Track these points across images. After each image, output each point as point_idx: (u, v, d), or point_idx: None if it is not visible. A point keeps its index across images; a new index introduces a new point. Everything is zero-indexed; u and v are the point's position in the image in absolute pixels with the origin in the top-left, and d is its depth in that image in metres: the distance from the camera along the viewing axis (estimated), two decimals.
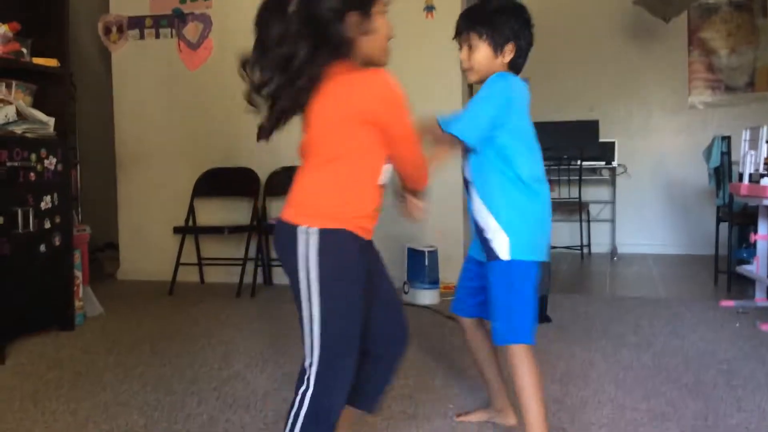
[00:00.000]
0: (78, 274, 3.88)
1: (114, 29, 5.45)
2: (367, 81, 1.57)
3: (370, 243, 1.72)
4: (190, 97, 5.32)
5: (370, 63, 1.63)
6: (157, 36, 5.38)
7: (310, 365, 1.59)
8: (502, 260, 1.99)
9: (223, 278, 5.12)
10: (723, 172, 4.78)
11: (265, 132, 1.78)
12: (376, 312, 1.75)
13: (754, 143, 4.23)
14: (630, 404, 2.50)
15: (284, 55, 1.65)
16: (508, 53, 2.02)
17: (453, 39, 2.13)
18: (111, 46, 5.48)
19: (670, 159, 6.70)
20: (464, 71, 2.13)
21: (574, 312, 3.97)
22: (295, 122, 5.37)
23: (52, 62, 3.70)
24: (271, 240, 5.06)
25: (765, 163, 4.17)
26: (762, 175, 4.06)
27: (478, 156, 2.03)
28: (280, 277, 5.11)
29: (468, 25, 2.04)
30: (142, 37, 5.41)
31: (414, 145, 1.68)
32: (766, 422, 2.32)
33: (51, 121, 3.66)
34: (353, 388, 1.66)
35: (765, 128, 4.13)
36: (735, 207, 4.65)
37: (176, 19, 5.32)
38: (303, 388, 1.60)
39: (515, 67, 2.06)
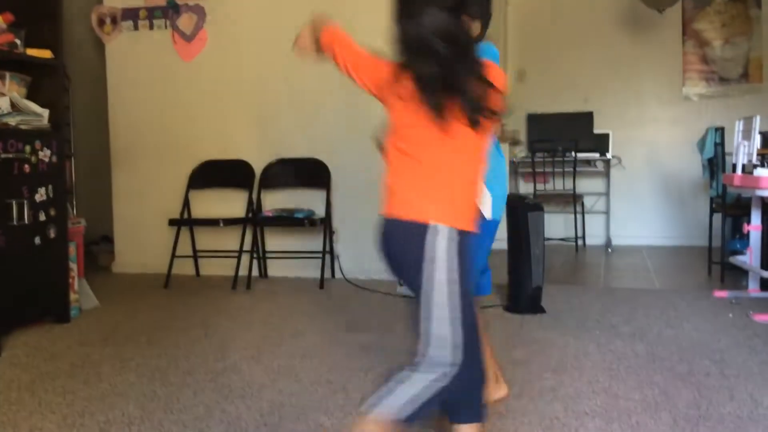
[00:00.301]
0: (73, 266, 3.88)
1: (108, 21, 5.43)
2: None
3: None
4: (184, 89, 5.31)
5: None
6: (151, 27, 5.37)
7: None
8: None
9: (218, 271, 5.13)
10: (716, 163, 4.80)
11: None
12: None
13: (747, 134, 4.25)
14: (623, 394, 2.52)
15: None
16: (484, 27, 2.06)
17: None
18: (105, 37, 5.46)
19: (664, 150, 6.72)
20: None
21: (568, 303, 3.99)
22: (288, 117, 5.30)
23: (46, 53, 3.69)
24: (267, 232, 5.11)
25: (758, 154, 4.19)
26: (755, 166, 4.08)
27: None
28: (275, 269, 5.12)
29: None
30: (136, 28, 5.39)
31: None
32: (758, 411, 2.34)
33: (45, 112, 3.65)
34: None
35: (758, 119, 4.15)
36: (728, 198, 4.67)
37: (170, 11, 5.30)
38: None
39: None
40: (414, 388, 1.63)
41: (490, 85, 1.59)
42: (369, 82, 1.86)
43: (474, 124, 1.57)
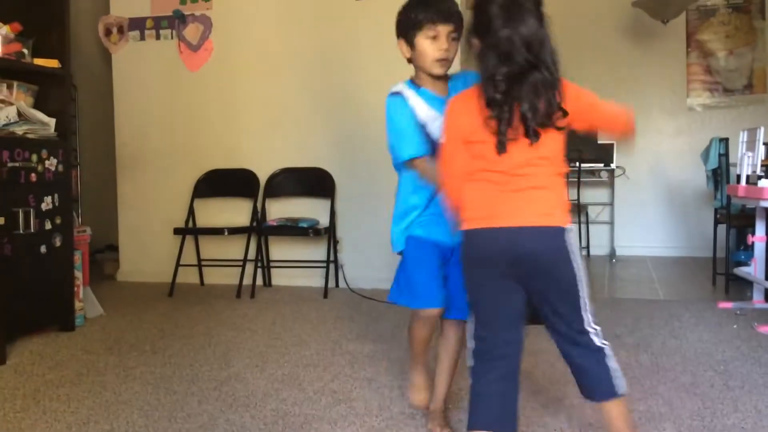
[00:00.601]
0: (78, 275, 3.90)
1: (114, 30, 5.47)
2: None
3: None
4: (190, 98, 5.34)
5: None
6: (158, 37, 5.40)
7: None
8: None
9: (222, 280, 5.14)
10: (721, 174, 4.80)
11: None
12: None
13: (751, 145, 4.25)
14: (628, 404, 2.50)
15: None
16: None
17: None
18: (111, 47, 5.49)
19: (668, 161, 6.72)
20: (440, 62, 2.12)
21: None
22: (293, 126, 5.34)
23: (53, 63, 3.72)
24: (271, 241, 5.12)
25: (762, 165, 4.19)
26: (759, 177, 4.08)
27: None
28: (279, 278, 5.13)
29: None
30: (142, 38, 5.43)
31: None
32: (762, 422, 2.33)
33: (52, 122, 3.67)
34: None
35: (762, 130, 4.15)
36: (733, 209, 4.66)
37: (176, 20, 5.34)
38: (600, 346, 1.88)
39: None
40: (612, 360, 1.86)
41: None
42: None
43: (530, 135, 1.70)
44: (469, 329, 1.89)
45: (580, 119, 1.80)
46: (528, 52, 1.67)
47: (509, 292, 1.81)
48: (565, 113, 1.73)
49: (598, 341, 1.86)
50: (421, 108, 2.10)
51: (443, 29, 2.04)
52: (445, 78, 2.12)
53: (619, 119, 1.94)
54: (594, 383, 1.86)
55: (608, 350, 1.87)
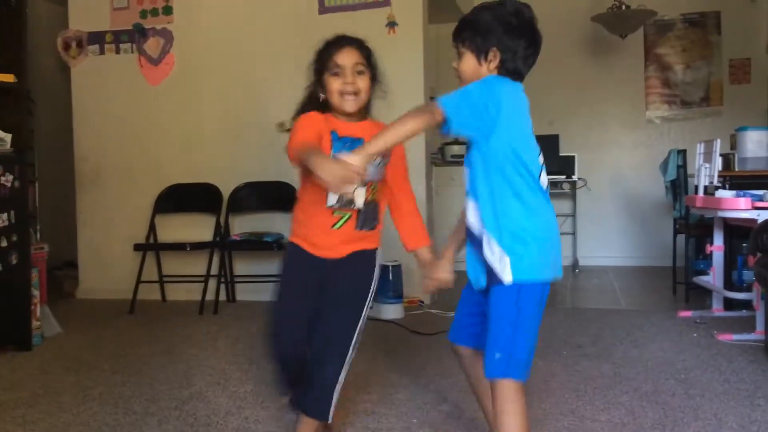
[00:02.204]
0: (35, 292, 3.81)
1: (73, 44, 5.39)
2: None
3: (322, 260, 2.16)
4: (151, 112, 5.28)
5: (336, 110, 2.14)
6: (118, 51, 5.34)
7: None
8: (504, 284, 1.80)
9: (185, 296, 5.07)
10: (679, 185, 4.88)
11: None
12: (317, 323, 2.13)
13: (708, 156, 4.34)
14: (590, 415, 2.53)
15: None
16: (494, 60, 1.87)
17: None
18: (70, 61, 5.42)
19: (628, 172, 6.83)
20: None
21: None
22: (256, 140, 5.32)
23: (8, 78, 3.65)
24: (235, 256, 5.07)
25: (719, 176, 4.28)
26: (716, 188, 4.17)
27: (473, 167, 1.88)
28: (244, 293, 5.08)
29: (455, 34, 1.95)
30: (102, 52, 5.36)
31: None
32: (722, 430, 2.36)
33: (8, 137, 3.60)
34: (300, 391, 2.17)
35: (718, 142, 4.24)
36: (691, 219, 4.75)
37: (137, 35, 5.29)
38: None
39: (513, 72, 1.88)
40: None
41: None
42: None
43: None
44: None
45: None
46: None
47: None
48: None
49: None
50: None
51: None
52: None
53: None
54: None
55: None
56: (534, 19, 1.90)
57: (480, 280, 1.89)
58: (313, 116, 2.08)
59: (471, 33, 1.89)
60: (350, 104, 2.08)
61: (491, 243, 1.82)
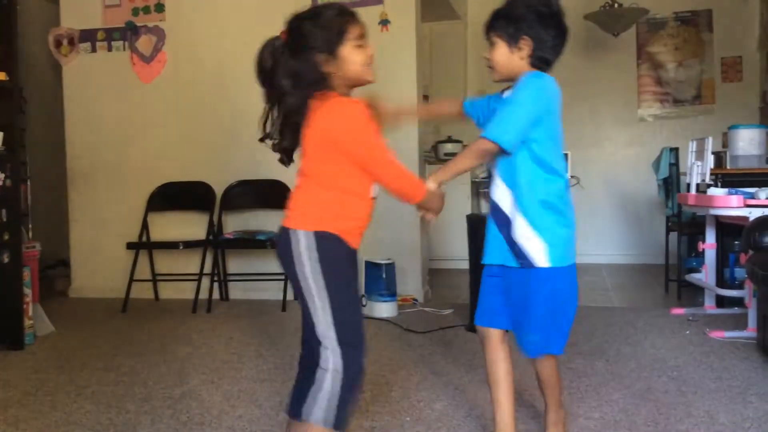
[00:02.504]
0: (27, 291, 3.79)
1: (65, 42, 5.37)
2: (331, 110, 1.71)
3: (354, 252, 1.84)
4: (143, 111, 5.26)
5: (356, 84, 1.81)
6: (110, 49, 5.32)
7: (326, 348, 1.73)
8: (541, 268, 1.93)
9: (178, 294, 5.06)
10: (672, 183, 4.89)
11: (284, 160, 1.90)
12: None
13: (700, 154, 4.35)
14: (583, 412, 2.54)
15: (277, 89, 1.77)
16: (525, 48, 1.97)
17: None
18: (62, 59, 5.40)
19: (621, 170, 6.85)
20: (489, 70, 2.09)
21: None
22: (249, 138, 5.33)
23: (0, 76, 3.63)
24: (228, 254, 5.07)
25: (711, 174, 4.29)
26: (708, 186, 4.18)
27: (510, 158, 1.95)
28: (237, 291, 5.07)
29: (489, 22, 2.03)
30: (94, 50, 5.34)
31: (385, 166, 1.75)
32: (715, 427, 2.37)
33: None
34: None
35: (711, 140, 4.25)
36: (684, 217, 4.76)
37: (129, 32, 5.27)
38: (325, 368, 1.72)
39: (542, 61, 2.01)
40: (327, 383, 1.74)
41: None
42: None
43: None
44: None
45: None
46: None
47: None
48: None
49: (327, 362, 1.72)
50: None
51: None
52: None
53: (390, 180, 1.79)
54: (293, 398, 1.83)
55: (330, 375, 1.72)
56: (562, 10, 2.00)
57: (508, 260, 1.99)
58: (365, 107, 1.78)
59: (503, 22, 1.98)
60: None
61: (526, 227, 1.94)
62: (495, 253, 2.04)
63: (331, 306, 1.73)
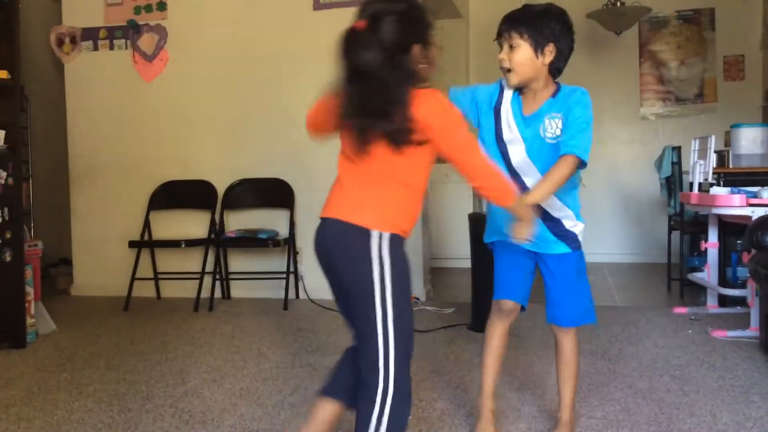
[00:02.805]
0: (29, 290, 3.80)
1: (67, 40, 5.37)
2: (425, 100, 1.64)
3: None
4: (145, 109, 5.26)
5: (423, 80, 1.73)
6: (112, 47, 5.32)
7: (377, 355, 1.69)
8: (578, 249, 2.20)
9: (180, 293, 5.06)
10: (674, 182, 4.89)
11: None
12: None
13: (703, 153, 4.35)
14: (586, 412, 2.53)
15: (374, 81, 1.64)
16: (549, 55, 2.05)
17: (494, 41, 2.13)
18: (64, 57, 5.39)
19: (623, 169, 6.84)
20: (504, 72, 2.11)
21: (531, 321, 4.01)
22: (251, 136, 5.30)
23: (2, 74, 3.63)
24: (230, 253, 5.06)
25: (714, 173, 4.28)
26: (711, 184, 4.17)
27: (552, 159, 2.06)
28: (238, 290, 5.07)
29: (510, 25, 2.06)
30: (96, 48, 5.34)
31: (477, 154, 1.75)
32: (717, 426, 2.37)
33: (1, 134, 3.59)
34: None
35: (713, 138, 4.25)
36: (686, 216, 4.75)
37: (131, 31, 5.27)
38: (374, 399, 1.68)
39: (557, 70, 2.12)
40: (375, 416, 1.71)
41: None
42: None
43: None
44: None
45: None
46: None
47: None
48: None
49: (377, 390, 1.68)
50: None
51: (501, 42, 2.11)
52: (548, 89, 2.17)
53: (482, 177, 1.77)
54: (335, 382, 1.88)
55: (378, 402, 1.68)
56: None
57: (551, 247, 2.18)
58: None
59: (532, 27, 2.03)
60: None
61: (569, 218, 2.18)
62: (543, 244, 2.17)
63: (393, 312, 1.68)
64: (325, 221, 1.78)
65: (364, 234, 1.67)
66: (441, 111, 1.68)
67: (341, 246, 1.72)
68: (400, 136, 1.63)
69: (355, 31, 1.65)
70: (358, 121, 1.65)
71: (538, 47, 2.03)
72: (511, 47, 2.05)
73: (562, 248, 2.18)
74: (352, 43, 1.65)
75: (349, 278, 1.71)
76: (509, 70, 2.07)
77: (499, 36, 2.09)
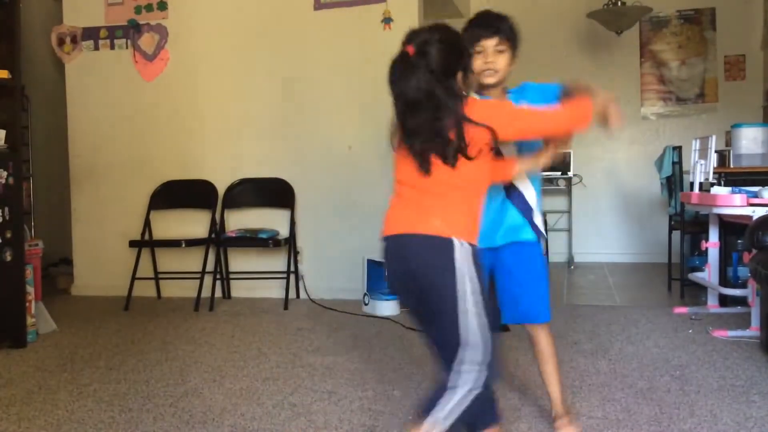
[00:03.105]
0: (30, 289, 3.80)
1: (68, 40, 5.37)
2: (472, 107, 1.74)
3: None
4: (146, 109, 5.26)
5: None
6: (112, 47, 5.32)
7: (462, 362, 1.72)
8: (540, 240, 2.26)
9: (180, 292, 5.06)
10: (675, 182, 4.89)
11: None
12: None
13: (703, 153, 4.34)
14: (586, 411, 2.53)
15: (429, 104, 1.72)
16: (515, 61, 2.23)
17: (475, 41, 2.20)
18: (64, 57, 5.39)
19: (624, 169, 6.84)
20: (482, 72, 2.17)
21: None
22: (251, 136, 5.29)
23: (3, 74, 3.63)
24: (230, 252, 5.06)
25: (714, 173, 4.28)
26: (712, 184, 4.17)
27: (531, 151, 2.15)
28: (239, 290, 5.07)
29: (502, 30, 2.18)
30: (96, 48, 5.34)
31: (535, 115, 1.86)
32: (718, 426, 2.37)
33: (2, 133, 3.59)
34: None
35: (714, 138, 4.24)
36: (686, 216, 4.75)
37: (132, 30, 5.26)
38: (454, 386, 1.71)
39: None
40: (452, 402, 1.72)
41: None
42: None
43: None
44: None
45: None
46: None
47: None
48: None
49: (456, 380, 1.72)
50: None
51: (487, 44, 2.16)
52: (501, 88, 2.24)
53: (550, 129, 1.93)
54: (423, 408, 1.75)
55: (459, 395, 1.71)
56: None
57: (523, 235, 2.23)
58: None
59: (515, 36, 2.21)
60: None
61: (536, 207, 2.25)
62: (510, 233, 2.23)
63: (479, 321, 1.71)
64: (397, 237, 1.77)
65: (446, 243, 1.69)
66: (486, 107, 1.79)
67: (425, 258, 1.72)
68: (454, 153, 1.69)
69: (406, 55, 1.72)
70: (416, 144, 1.71)
71: (514, 56, 2.22)
72: (500, 51, 2.17)
73: (531, 235, 2.23)
74: (403, 66, 1.72)
75: (435, 289, 1.72)
76: (494, 71, 2.17)
77: (490, 35, 2.16)
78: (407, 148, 1.73)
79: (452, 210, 1.73)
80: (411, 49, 1.71)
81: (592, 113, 1.92)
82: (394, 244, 1.77)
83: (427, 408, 1.72)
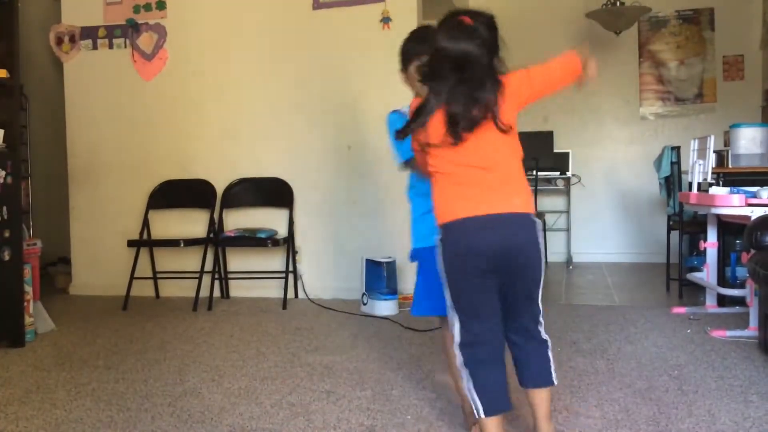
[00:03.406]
0: (28, 289, 3.80)
1: (66, 39, 5.37)
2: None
3: None
4: (144, 108, 5.26)
5: None
6: (111, 46, 5.32)
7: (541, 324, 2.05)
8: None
9: (179, 292, 5.06)
10: (673, 182, 4.89)
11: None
12: None
13: (702, 153, 4.34)
14: (584, 411, 2.53)
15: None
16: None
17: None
18: (63, 56, 5.39)
19: (622, 169, 6.84)
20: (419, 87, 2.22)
21: None
22: (250, 135, 5.29)
23: (1, 73, 3.63)
24: (229, 252, 5.06)
25: (713, 173, 4.28)
26: (710, 184, 4.17)
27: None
28: (237, 289, 5.07)
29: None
30: (95, 47, 5.34)
31: (546, 68, 2.08)
32: (716, 426, 2.37)
33: (0, 132, 3.58)
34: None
35: (712, 138, 4.24)
36: (685, 216, 4.75)
37: (130, 29, 5.27)
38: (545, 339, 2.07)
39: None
40: (551, 352, 2.12)
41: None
42: None
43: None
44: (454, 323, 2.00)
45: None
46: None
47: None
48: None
49: (544, 334, 2.05)
50: None
51: None
52: None
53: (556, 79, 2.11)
54: (536, 372, 2.05)
55: (550, 343, 2.08)
56: None
57: (431, 238, 2.13)
58: None
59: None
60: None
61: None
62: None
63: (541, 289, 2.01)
64: (488, 218, 1.89)
65: (531, 221, 1.94)
66: (511, 76, 1.97)
67: (526, 234, 1.93)
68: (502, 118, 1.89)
69: (464, 22, 1.87)
70: (474, 109, 1.86)
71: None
72: None
73: (433, 240, 2.14)
74: (462, 31, 1.87)
75: (538, 261, 1.96)
76: None
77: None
78: (464, 130, 1.86)
79: (523, 188, 1.96)
80: (467, 19, 1.85)
81: (581, 64, 2.09)
82: (483, 223, 1.88)
83: (539, 373, 2.03)
